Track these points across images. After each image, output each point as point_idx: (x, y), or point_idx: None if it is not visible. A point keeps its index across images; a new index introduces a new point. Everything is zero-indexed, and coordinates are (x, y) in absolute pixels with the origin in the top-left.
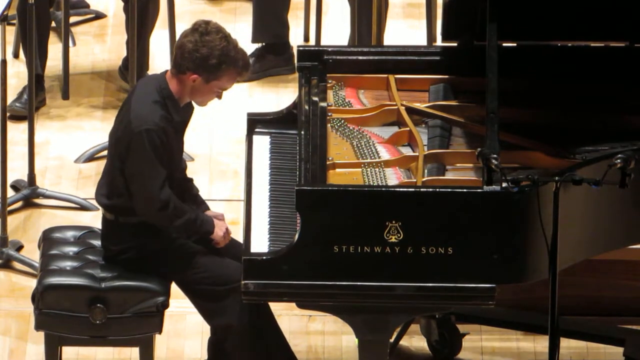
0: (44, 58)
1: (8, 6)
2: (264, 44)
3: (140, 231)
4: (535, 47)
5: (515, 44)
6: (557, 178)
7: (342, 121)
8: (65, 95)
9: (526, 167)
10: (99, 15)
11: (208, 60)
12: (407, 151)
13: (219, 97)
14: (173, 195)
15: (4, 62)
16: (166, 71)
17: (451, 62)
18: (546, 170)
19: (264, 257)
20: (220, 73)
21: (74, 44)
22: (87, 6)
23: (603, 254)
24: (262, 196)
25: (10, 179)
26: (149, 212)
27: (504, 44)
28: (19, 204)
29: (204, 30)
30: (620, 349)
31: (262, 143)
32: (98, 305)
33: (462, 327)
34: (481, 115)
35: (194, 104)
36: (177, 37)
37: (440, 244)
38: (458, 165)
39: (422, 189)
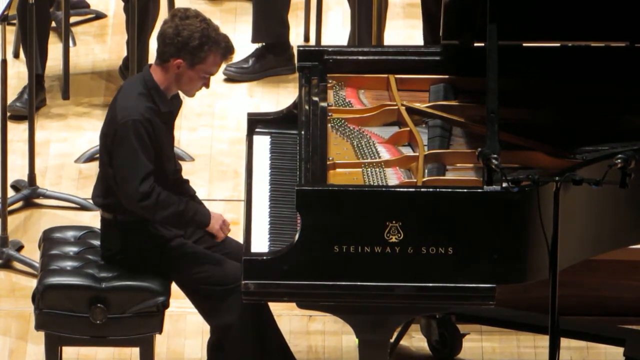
0: (44, 58)
1: (8, 6)
2: (264, 43)
3: (139, 229)
4: (535, 47)
5: (515, 44)
6: (557, 178)
7: (343, 121)
8: (66, 95)
9: (526, 167)
10: (99, 15)
11: (189, 42)
12: (407, 151)
13: (207, 85)
14: (159, 188)
15: (4, 62)
16: (150, 65)
17: (451, 62)
18: (546, 170)
19: (264, 257)
20: (204, 55)
21: (74, 44)
22: (87, 6)
23: (603, 254)
24: (262, 196)
25: (10, 179)
26: (130, 203)
27: (504, 44)
28: (19, 204)
29: (182, 15)
30: (620, 349)
31: (262, 143)
32: (98, 305)
33: (462, 327)
34: (481, 115)
35: (182, 96)
36: None
37: (440, 244)
38: (458, 165)
39: (422, 189)
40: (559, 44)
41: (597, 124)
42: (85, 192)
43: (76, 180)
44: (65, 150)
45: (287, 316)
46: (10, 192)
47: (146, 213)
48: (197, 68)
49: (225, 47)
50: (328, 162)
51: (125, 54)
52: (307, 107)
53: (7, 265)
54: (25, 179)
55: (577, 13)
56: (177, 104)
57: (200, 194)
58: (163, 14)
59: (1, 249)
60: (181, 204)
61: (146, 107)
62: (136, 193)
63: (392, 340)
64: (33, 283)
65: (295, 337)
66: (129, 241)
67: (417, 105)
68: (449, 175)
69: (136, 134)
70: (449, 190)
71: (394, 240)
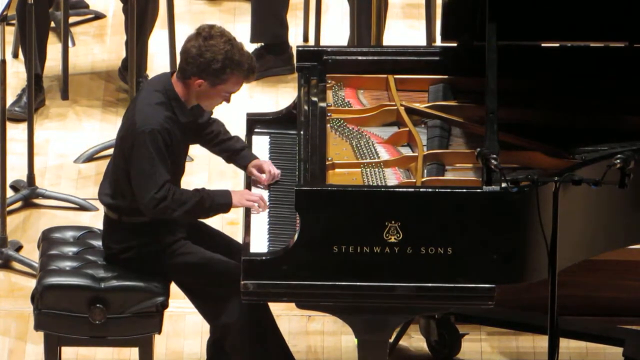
0: (43, 58)
1: (7, 6)
2: (263, 44)
3: (142, 231)
4: (535, 47)
5: (515, 44)
6: (556, 178)
7: (342, 121)
8: (65, 96)
9: (526, 167)
10: (98, 16)
11: (212, 64)
12: (406, 151)
13: (227, 100)
14: (173, 188)
15: (4, 62)
16: (173, 72)
17: (451, 62)
18: (546, 171)
19: (264, 257)
20: (225, 77)
21: (74, 44)
22: (87, 6)
23: (603, 254)
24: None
25: (9, 179)
26: (148, 211)
27: (504, 44)
28: (19, 204)
29: (207, 34)
30: (620, 349)
31: (262, 143)
32: (97, 305)
33: (461, 327)
34: (480, 115)
35: None
36: (177, 37)
37: (440, 244)
38: (457, 165)
39: (421, 189)
40: (558, 44)
41: (596, 124)
42: (85, 192)
43: (75, 180)
44: (65, 150)
45: (286, 316)
46: (10, 192)
47: (166, 215)
48: (219, 88)
49: (248, 69)
50: (327, 163)
51: (124, 54)
52: (306, 107)
53: (6, 265)
54: (25, 179)
55: (577, 13)
56: (198, 113)
57: None
58: (162, 14)
59: (0, 249)
60: (196, 195)
61: (165, 117)
62: (153, 200)
63: (391, 341)
64: (32, 283)
65: (294, 337)
66: (132, 242)
67: (417, 105)
68: (448, 176)
69: (154, 143)
70: (448, 190)
71: (393, 240)
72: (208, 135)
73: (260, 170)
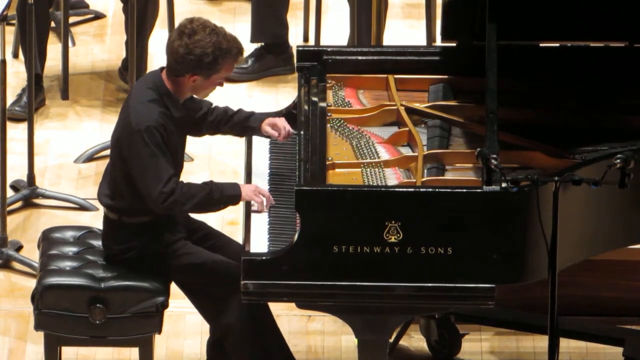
0: (43, 58)
1: (7, 6)
2: (263, 44)
3: (143, 231)
4: (536, 47)
5: (515, 44)
6: (556, 178)
7: (342, 121)
8: (65, 95)
9: (526, 167)
10: (98, 16)
11: (203, 59)
12: (406, 151)
13: (221, 85)
14: (180, 183)
15: (4, 62)
16: (162, 68)
17: (451, 62)
18: (546, 171)
19: (264, 258)
20: (219, 67)
21: (74, 44)
22: (87, 6)
23: (603, 254)
24: None
25: (9, 179)
26: (157, 207)
27: (504, 44)
28: (19, 204)
29: (190, 31)
30: (620, 349)
31: (262, 143)
32: (97, 305)
33: (461, 327)
34: (481, 115)
35: None
36: None
37: (440, 244)
38: (458, 165)
39: (421, 189)
40: (558, 44)
41: (596, 124)
42: (85, 192)
43: (75, 180)
44: (65, 150)
45: (286, 316)
46: (10, 192)
47: (175, 209)
48: (213, 77)
49: (237, 52)
50: (327, 162)
51: (124, 54)
52: (306, 107)
53: (6, 265)
54: (25, 179)
55: (577, 13)
56: (192, 105)
57: None
58: (162, 14)
59: (0, 249)
60: (205, 187)
61: (159, 112)
62: (161, 195)
63: (391, 340)
64: (32, 283)
65: (294, 337)
66: (133, 242)
67: (417, 105)
68: (448, 176)
69: (152, 139)
70: (448, 190)
71: (393, 240)
72: (214, 121)
73: (275, 128)
